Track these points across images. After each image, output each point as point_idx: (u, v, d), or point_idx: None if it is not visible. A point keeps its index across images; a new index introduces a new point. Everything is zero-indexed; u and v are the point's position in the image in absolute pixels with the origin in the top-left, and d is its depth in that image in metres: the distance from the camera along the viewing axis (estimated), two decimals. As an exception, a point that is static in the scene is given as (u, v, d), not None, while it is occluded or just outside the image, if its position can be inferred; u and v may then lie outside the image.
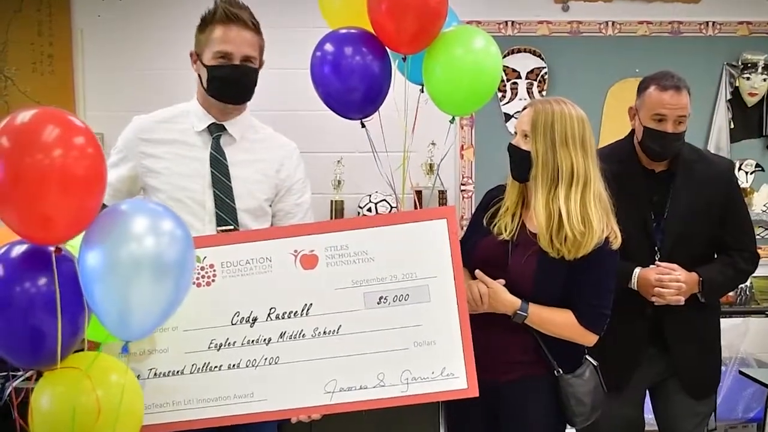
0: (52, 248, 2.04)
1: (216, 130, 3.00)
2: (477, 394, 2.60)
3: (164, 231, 2.08)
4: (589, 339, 2.86)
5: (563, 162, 2.78)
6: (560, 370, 2.85)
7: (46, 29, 5.85)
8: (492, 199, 3.04)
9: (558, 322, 2.82)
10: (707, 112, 5.70)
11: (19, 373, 2.72)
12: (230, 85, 2.94)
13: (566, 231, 2.73)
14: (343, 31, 3.02)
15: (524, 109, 2.93)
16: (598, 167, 2.86)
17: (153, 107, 3.12)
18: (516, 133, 2.93)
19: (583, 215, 2.76)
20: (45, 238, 2.01)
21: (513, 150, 2.90)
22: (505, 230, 2.88)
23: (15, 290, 2.02)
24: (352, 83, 2.94)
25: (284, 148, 3.14)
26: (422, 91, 3.12)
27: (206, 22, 2.91)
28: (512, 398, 2.87)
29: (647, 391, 3.58)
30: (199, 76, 2.96)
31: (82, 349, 2.23)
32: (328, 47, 3.00)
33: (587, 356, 2.95)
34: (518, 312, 2.78)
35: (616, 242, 2.83)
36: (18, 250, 2.08)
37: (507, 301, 2.80)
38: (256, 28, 2.96)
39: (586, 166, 2.80)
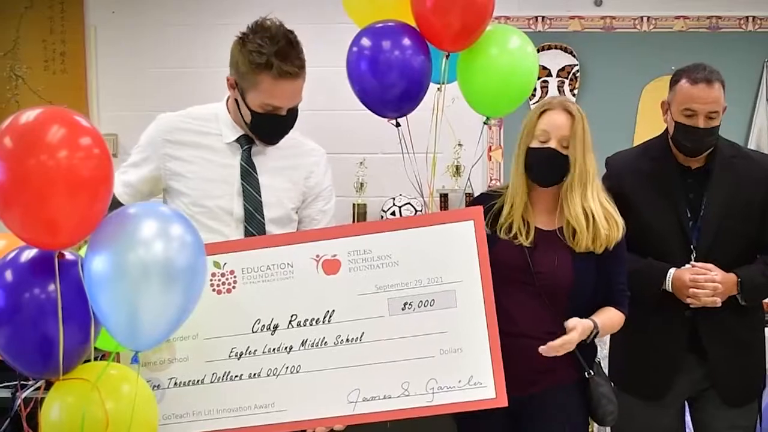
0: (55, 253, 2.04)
1: (246, 143, 2.98)
2: (506, 404, 2.60)
3: (174, 236, 2.08)
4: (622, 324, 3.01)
5: (590, 165, 2.89)
6: (591, 371, 2.89)
7: (59, 26, 5.89)
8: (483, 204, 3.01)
9: (613, 321, 2.94)
10: (747, 112, 5.66)
11: (30, 383, 2.74)
12: (274, 134, 2.96)
13: (599, 229, 2.86)
14: (381, 24, 3.01)
15: (545, 111, 2.93)
16: None
17: (169, 107, 3.11)
18: (543, 136, 2.91)
19: (604, 209, 2.91)
20: (49, 242, 2.01)
21: (551, 154, 2.90)
22: (521, 235, 2.91)
23: (22, 297, 2.03)
24: (389, 80, 2.93)
25: (313, 155, 3.12)
26: (439, 90, 3.11)
27: (255, 66, 2.80)
28: (538, 411, 2.89)
29: (686, 404, 3.55)
30: (237, 102, 2.92)
31: (97, 358, 2.23)
32: (365, 42, 2.99)
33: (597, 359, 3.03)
34: (594, 330, 2.83)
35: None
36: (25, 255, 2.08)
37: (587, 328, 2.81)
38: (304, 70, 2.90)
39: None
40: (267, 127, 2.92)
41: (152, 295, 2.01)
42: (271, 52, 2.79)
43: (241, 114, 2.92)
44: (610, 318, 2.91)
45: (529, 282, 2.84)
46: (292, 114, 2.93)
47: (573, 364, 2.87)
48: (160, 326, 2.08)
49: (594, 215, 2.85)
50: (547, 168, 2.91)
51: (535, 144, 2.92)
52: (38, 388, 2.19)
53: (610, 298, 2.93)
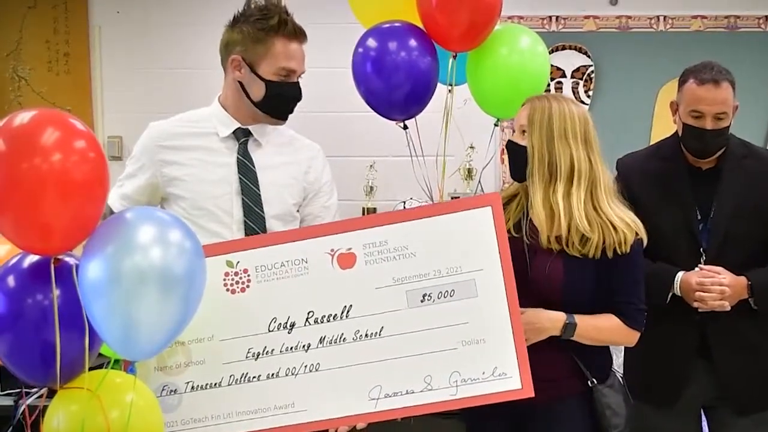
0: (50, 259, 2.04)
1: (242, 135, 3.01)
2: (533, 394, 2.59)
3: (172, 241, 2.06)
4: (633, 338, 2.90)
5: (561, 156, 2.78)
6: (594, 380, 2.85)
7: (63, 26, 5.91)
8: None
9: (605, 327, 2.84)
10: (766, 114, 5.64)
11: (33, 390, 2.75)
12: (289, 103, 2.99)
13: (564, 227, 2.75)
14: (387, 25, 3.02)
15: (522, 106, 2.93)
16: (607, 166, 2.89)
17: (175, 109, 3.13)
18: (514, 131, 2.92)
19: (596, 214, 2.78)
20: (43, 248, 2.01)
21: (510, 146, 2.90)
22: (513, 229, 2.87)
23: (21, 304, 2.04)
24: (396, 81, 2.94)
25: (310, 150, 3.15)
26: (450, 92, 3.12)
27: (266, 31, 2.89)
28: (543, 423, 2.85)
29: (703, 413, 3.53)
30: (241, 84, 2.95)
31: (101, 365, 2.23)
32: (371, 43, 3.00)
33: (613, 368, 2.98)
34: (567, 323, 2.76)
35: (645, 237, 2.86)
36: (26, 261, 2.09)
37: (550, 320, 2.77)
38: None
39: (592, 161, 2.82)
40: (283, 94, 2.95)
41: (149, 303, 1.99)
42: (277, 13, 2.89)
43: (249, 96, 2.95)
44: (600, 324, 2.82)
45: (526, 286, 2.77)
46: (298, 84, 2.99)
47: (577, 373, 2.85)
48: (157, 335, 2.06)
49: (559, 212, 2.76)
50: (510, 160, 2.91)
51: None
52: (40, 396, 2.20)
53: (616, 309, 2.85)
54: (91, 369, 2.13)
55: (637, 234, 2.82)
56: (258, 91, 2.93)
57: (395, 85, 2.96)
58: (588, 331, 2.79)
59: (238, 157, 2.98)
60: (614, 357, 3.03)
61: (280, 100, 2.96)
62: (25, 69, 5.92)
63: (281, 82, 2.93)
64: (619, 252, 2.77)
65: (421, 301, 2.61)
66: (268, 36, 2.89)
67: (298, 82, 2.98)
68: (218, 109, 3.04)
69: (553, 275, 2.80)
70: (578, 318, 2.77)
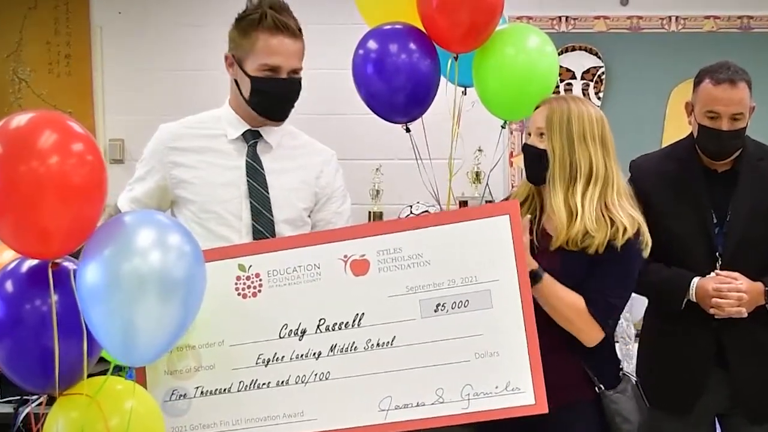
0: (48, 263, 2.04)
1: (251, 138, 2.99)
2: (546, 410, 2.57)
3: (171, 245, 2.06)
4: (592, 333, 2.84)
5: (582, 159, 2.80)
6: (602, 386, 2.85)
7: (64, 27, 5.92)
8: None
9: (567, 299, 2.80)
10: (780, 114, 5.63)
11: (33, 397, 2.75)
12: (276, 101, 2.94)
13: (579, 227, 2.76)
14: (388, 26, 3.02)
15: (536, 108, 2.92)
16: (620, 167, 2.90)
17: (177, 111, 3.13)
18: (529, 133, 2.92)
19: (601, 213, 2.78)
20: (41, 251, 2.01)
21: (528, 150, 2.90)
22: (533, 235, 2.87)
23: (19, 310, 2.04)
24: (397, 83, 2.94)
25: (323, 154, 3.13)
26: (464, 94, 3.11)
27: (250, 26, 2.87)
28: (554, 428, 2.84)
29: (717, 421, 3.52)
30: (236, 82, 2.94)
31: (105, 372, 2.23)
32: (372, 44, 3.00)
33: (626, 372, 2.97)
34: (536, 271, 2.74)
35: (646, 246, 2.85)
36: (24, 266, 2.09)
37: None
38: (301, 35, 2.94)
39: (607, 164, 2.83)
40: (268, 92, 2.91)
41: (148, 307, 1.99)
42: (265, 6, 2.86)
43: (242, 94, 2.92)
44: (565, 295, 2.79)
45: None
46: (294, 81, 2.94)
47: (586, 379, 2.86)
48: (156, 340, 2.06)
49: (578, 213, 2.77)
50: (527, 163, 2.92)
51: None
52: (40, 404, 2.20)
53: (585, 294, 2.81)
54: (92, 376, 2.13)
55: (636, 235, 2.81)
56: (246, 88, 2.91)
57: (396, 87, 2.97)
58: (551, 293, 2.78)
59: (247, 160, 2.97)
60: (625, 364, 3.02)
61: (265, 96, 2.91)
62: (26, 71, 5.93)
63: (266, 78, 2.88)
64: (611, 247, 2.77)
65: (435, 311, 2.58)
66: (251, 31, 2.85)
67: (290, 80, 2.93)
68: (228, 110, 3.02)
69: (551, 269, 2.80)
70: (548, 278, 2.76)
